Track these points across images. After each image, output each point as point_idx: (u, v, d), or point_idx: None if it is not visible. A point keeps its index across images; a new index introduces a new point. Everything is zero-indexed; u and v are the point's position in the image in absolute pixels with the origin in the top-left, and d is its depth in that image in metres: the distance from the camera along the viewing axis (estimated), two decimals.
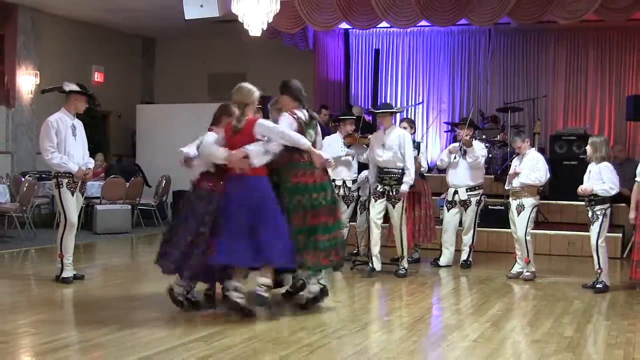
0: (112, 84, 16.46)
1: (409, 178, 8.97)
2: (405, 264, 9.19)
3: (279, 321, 6.60)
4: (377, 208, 9.10)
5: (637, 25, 13.93)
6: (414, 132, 10.35)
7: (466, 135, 9.89)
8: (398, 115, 12.05)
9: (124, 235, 12.88)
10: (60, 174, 8.17)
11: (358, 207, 10.38)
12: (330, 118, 12.78)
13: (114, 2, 13.84)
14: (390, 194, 9.05)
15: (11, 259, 10.46)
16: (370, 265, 9.13)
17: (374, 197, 9.16)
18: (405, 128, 9.89)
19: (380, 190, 9.10)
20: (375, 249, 9.09)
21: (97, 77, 16.21)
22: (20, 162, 14.26)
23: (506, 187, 9.38)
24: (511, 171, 9.21)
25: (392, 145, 8.98)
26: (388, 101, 15.70)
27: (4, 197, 11.56)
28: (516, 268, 9.21)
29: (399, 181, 8.98)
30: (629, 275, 8.41)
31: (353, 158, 10.11)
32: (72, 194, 8.22)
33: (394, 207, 9.06)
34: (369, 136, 9.98)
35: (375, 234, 9.08)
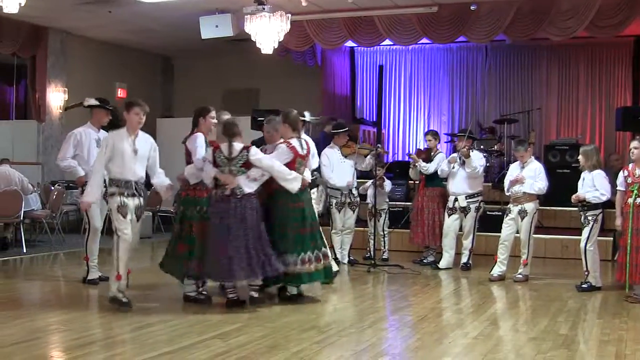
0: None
1: None
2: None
3: (291, 320, 6.56)
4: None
5: (624, 41, 13.92)
6: (439, 142, 10.36)
7: (464, 147, 9.81)
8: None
9: (146, 239, 12.87)
10: (84, 184, 8.19)
11: (367, 214, 10.57)
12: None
13: (135, 24, 13.88)
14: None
15: (42, 261, 10.50)
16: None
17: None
18: (430, 140, 10.05)
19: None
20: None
21: (120, 93, 16.27)
22: (50, 172, 14.31)
23: (507, 193, 9.25)
24: (512, 177, 9.08)
25: None
26: (392, 114, 15.72)
27: (36, 204, 11.63)
28: (496, 270, 9.09)
29: None
30: (616, 277, 8.26)
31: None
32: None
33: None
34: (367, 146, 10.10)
35: None
